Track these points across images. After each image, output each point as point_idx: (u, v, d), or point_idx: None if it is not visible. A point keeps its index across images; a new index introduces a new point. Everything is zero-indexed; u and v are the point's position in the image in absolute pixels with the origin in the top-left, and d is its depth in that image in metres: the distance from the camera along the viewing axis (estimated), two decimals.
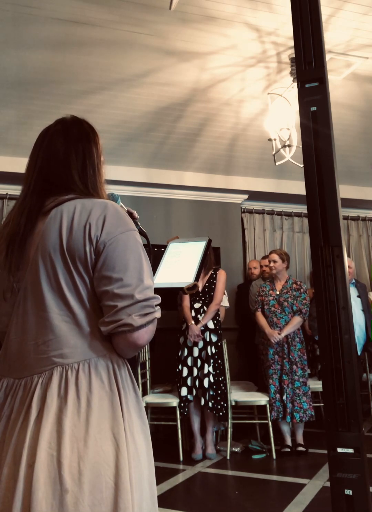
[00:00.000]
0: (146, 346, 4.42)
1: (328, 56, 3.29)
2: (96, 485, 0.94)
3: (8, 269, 1.09)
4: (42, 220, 1.10)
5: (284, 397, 3.99)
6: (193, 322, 4.06)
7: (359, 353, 4.70)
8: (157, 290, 1.09)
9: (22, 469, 0.93)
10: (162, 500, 2.95)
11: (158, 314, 1.06)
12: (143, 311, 1.03)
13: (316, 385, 4.40)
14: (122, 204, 1.28)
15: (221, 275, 4.22)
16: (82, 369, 1.02)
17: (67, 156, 1.15)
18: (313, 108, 1.73)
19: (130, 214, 1.31)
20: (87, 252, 1.03)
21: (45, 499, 0.91)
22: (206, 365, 3.98)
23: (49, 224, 1.07)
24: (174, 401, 4.03)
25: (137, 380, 3.98)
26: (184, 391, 3.99)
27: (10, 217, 1.15)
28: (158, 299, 1.07)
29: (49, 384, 1.00)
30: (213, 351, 4.04)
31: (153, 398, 4.17)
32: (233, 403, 4.05)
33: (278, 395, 4.03)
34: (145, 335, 1.04)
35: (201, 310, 4.13)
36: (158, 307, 1.07)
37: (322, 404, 4.67)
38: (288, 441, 4.10)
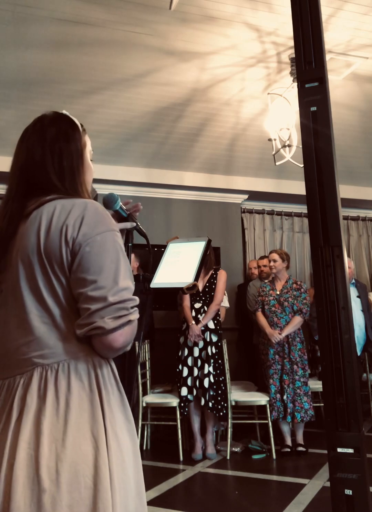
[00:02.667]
0: (146, 346, 4.41)
1: (328, 56, 3.29)
2: (74, 485, 0.94)
3: None
4: (24, 222, 1.10)
5: (285, 397, 3.99)
6: (193, 322, 4.06)
7: (359, 353, 4.70)
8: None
9: (3, 470, 0.94)
10: (162, 500, 2.94)
11: (133, 316, 1.04)
12: (116, 313, 1.01)
13: (316, 385, 4.40)
14: (122, 204, 1.28)
15: (222, 275, 4.22)
16: (62, 370, 1.02)
17: (43, 159, 1.13)
18: (313, 108, 1.73)
19: (133, 206, 1.30)
20: (63, 254, 1.03)
21: (23, 499, 0.91)
22: (206, 365, 3.98)
23: (29, 226, 1.07)
24: (174, 401, 4.03)
25: (137, 380, 3.99)
26: (184, 391, 3.99)
27: None
28: (135, 301, 1.05)
29: (29, 385, 1.01)
30: (214, 351, 4.04)
31: (153, 398, 4.17)
32: (233, 403, 4.05)
33: (278, 395, 4.03)
34: (119, 338, 1.02)
35: (202, 310, 4.13)
36: (135, 308, 1.05)
37: (322, 404, 4.67)
38: (288, 441, 4.10)
